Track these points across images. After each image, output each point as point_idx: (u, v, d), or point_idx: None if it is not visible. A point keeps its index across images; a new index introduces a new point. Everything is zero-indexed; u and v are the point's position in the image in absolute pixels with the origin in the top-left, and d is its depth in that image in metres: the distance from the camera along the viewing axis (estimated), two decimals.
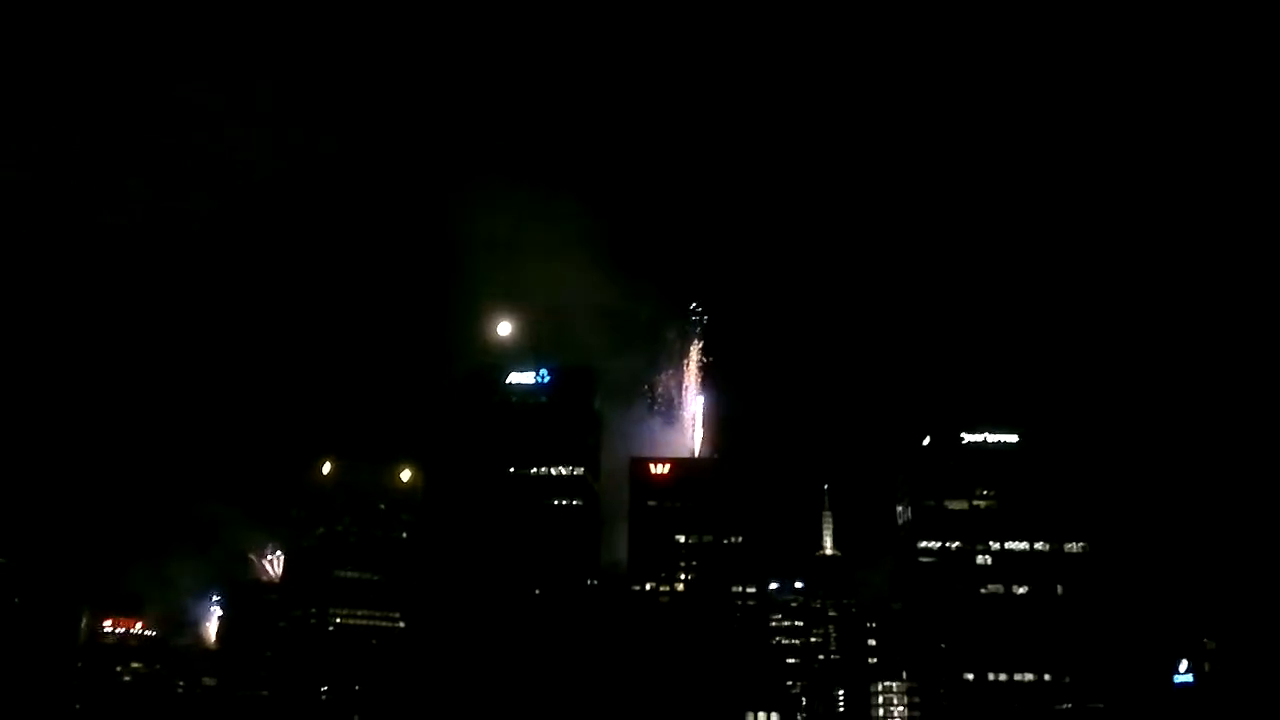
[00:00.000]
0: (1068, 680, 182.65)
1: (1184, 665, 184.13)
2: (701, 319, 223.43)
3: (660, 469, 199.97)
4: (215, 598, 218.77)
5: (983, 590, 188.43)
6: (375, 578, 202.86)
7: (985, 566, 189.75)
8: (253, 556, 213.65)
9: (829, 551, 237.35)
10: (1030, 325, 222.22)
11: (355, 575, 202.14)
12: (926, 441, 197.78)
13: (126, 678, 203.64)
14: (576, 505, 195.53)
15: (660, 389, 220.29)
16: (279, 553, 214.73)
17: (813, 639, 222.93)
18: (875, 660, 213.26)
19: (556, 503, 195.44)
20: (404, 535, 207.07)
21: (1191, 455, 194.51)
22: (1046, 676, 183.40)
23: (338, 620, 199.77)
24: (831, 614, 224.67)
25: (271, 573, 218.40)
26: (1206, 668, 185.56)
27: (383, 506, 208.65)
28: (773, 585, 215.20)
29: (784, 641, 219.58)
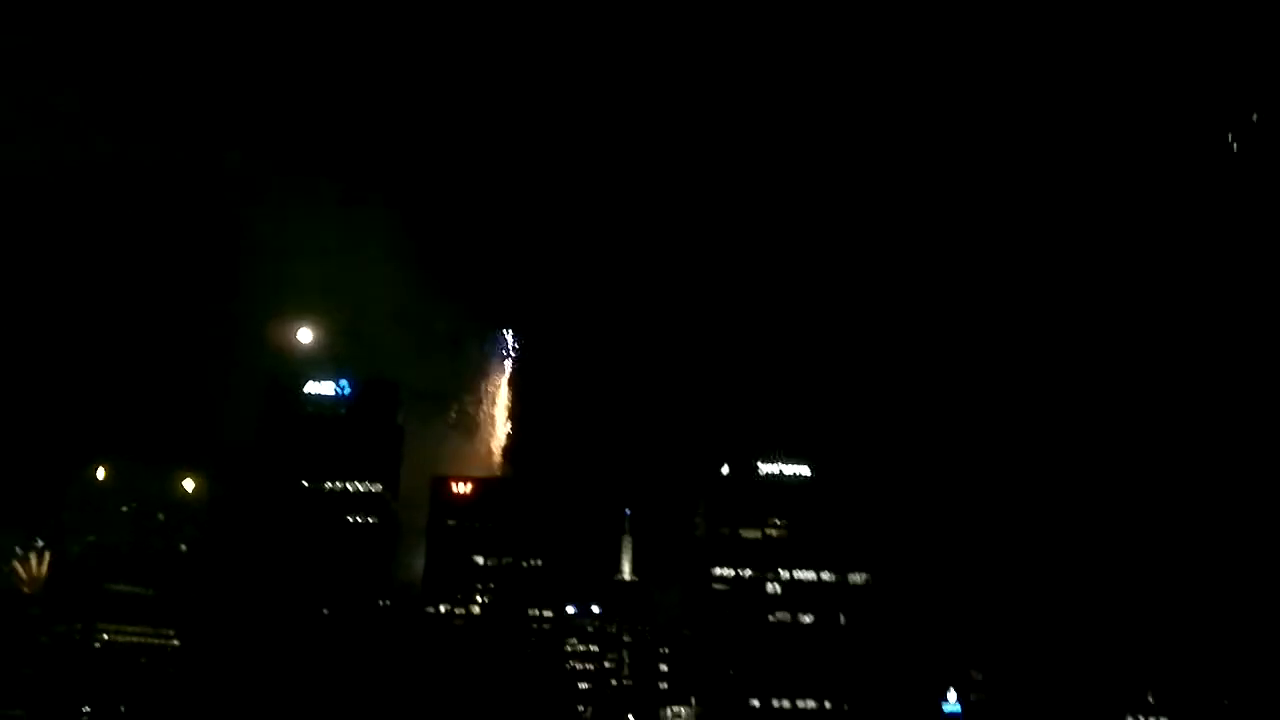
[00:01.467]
0: (846, 708, 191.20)
1: (952, 695, 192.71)
2: (509, 333, 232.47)
3: (462, 488, 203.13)
4: None
5: (771, 618, 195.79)
6: (149, 592, 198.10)
7: (775, 595, 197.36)
8: (12, 563, 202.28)
9: (627, 576, 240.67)
10: (830, 358, 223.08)
11: (128, 589, 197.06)
12: (725, 470, 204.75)
13: None
14: (372, 523, 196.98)
15: (465, 404, 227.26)
16: (40, 558, 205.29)
17: (606, 663, 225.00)
18: (666, 685, 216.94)
19: (351, 519, 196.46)
20: (184, 548, 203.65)
21: (971, 490, 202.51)
22: (827, 704, 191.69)
23: (105, 637, 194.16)
24: (626, 639, 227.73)
25: (31, 582, 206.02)
26: (973, 698, 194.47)
27: (162, 516, 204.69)
28: (570, 609, 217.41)
29: (578, 666, 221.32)
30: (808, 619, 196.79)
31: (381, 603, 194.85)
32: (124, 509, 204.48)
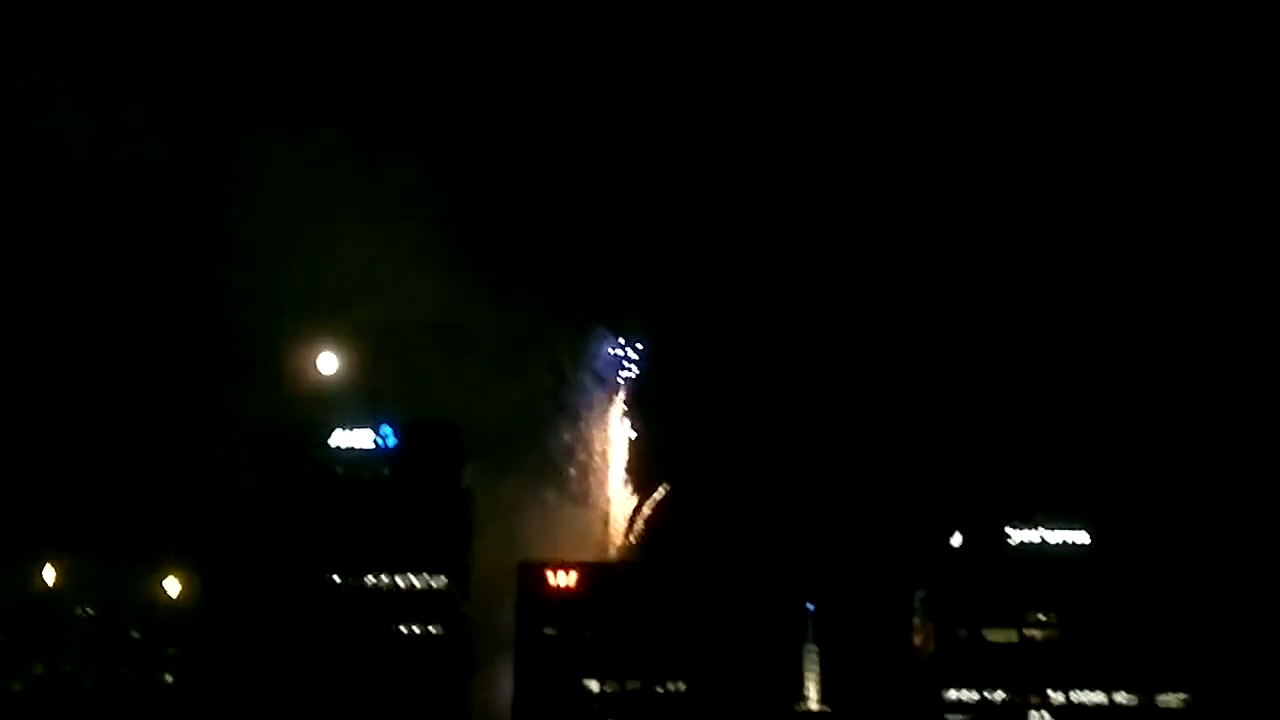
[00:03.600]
0: None
1: None
2: (622, 343, 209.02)
3: (563, 578, 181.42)
4: None
5: None
6: None
7: None
8: None
9: (814, 705, 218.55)
10: (1112, 372, 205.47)
11: None
12: (957, 542, 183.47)
13: None
14: (435, 634, 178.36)
15: (559, 451, 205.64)
16: None
17: None
18: None
19: (405, 629, 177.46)
20: (169, 678, 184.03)
21: None
22: None
23: None
24: None
25: None
26: None
27: (136, 634, 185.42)
28: None
29: None
30: None
31: None
32: (83, 625, 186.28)
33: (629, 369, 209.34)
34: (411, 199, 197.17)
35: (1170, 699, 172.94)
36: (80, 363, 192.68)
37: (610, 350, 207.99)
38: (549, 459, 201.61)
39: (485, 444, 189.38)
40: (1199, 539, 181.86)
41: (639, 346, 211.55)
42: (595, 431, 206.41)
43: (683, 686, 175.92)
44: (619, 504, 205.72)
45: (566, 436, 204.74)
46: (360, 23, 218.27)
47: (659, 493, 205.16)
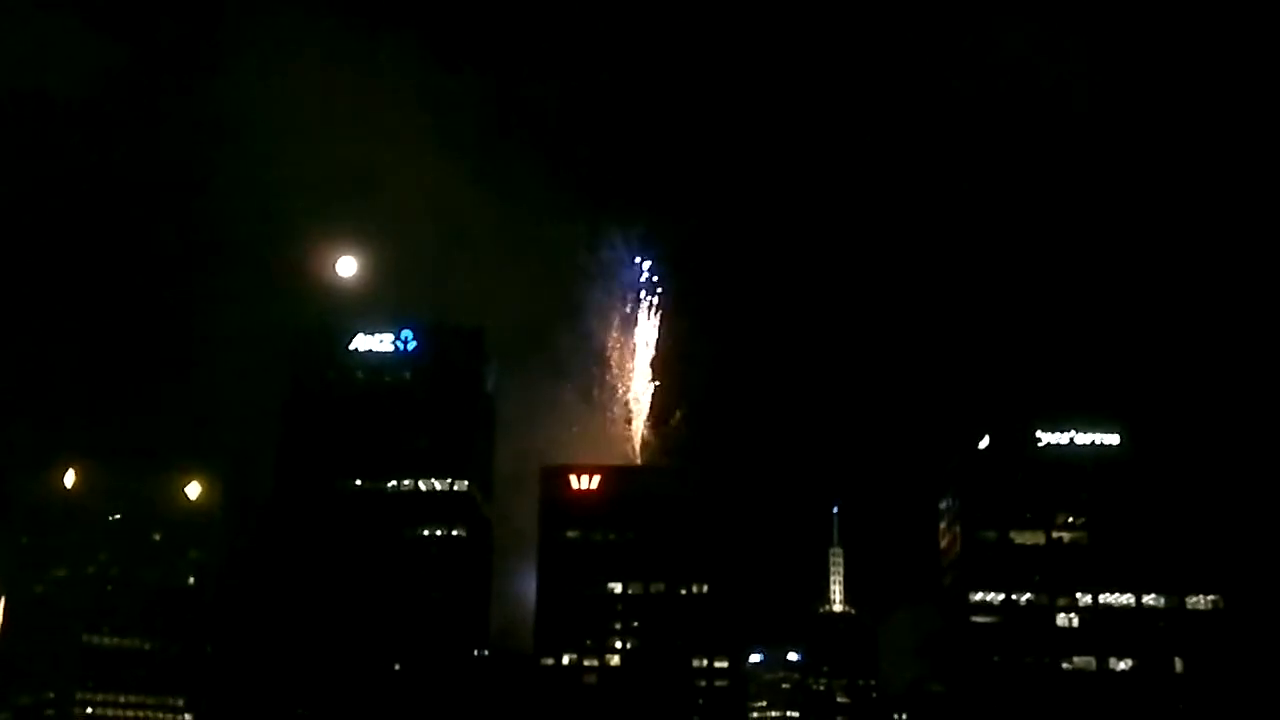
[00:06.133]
0: None
1: None
2: (653, 248, 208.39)
3: (586, 481, 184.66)
4: None
5: (1066, 664, 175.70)
6: (147, 645, 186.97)
7: (1070, 629, 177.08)
8: None
9: (838, 607, 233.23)
10: (1142, 271, 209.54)
11: (115, 642, 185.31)
12: (985, 444, 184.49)
13: None
14: (457, 537, 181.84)
15: (582, 353, 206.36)
16: None
17: None
18: None
19: (427, 533, 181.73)
20: (191, 580, 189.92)
21: None
22: None
23: (89, 710, 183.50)
24: (841, 699, 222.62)
25: None
26: None
27: (158, 536, 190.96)
28: (754, 657, 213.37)
29: None
30: (1124, 665, 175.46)
31: (476, 653, 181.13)
32: (105, 528, 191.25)
33: (655, 274, 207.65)
34: (418, 100, 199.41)
35: (1200, 601, 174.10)
36: (105, 271, 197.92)
37: (618, 247, 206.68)
38: (568, 360, 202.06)
39: (505, 348, 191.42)
40: (1231, 441, 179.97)
41: (666, 252, 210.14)
42: (616, 333, 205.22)
43: (706, 588, 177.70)
44: (639, 408, 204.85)
45: (583, 336, 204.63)
46: None
47: (681, 400, 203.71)
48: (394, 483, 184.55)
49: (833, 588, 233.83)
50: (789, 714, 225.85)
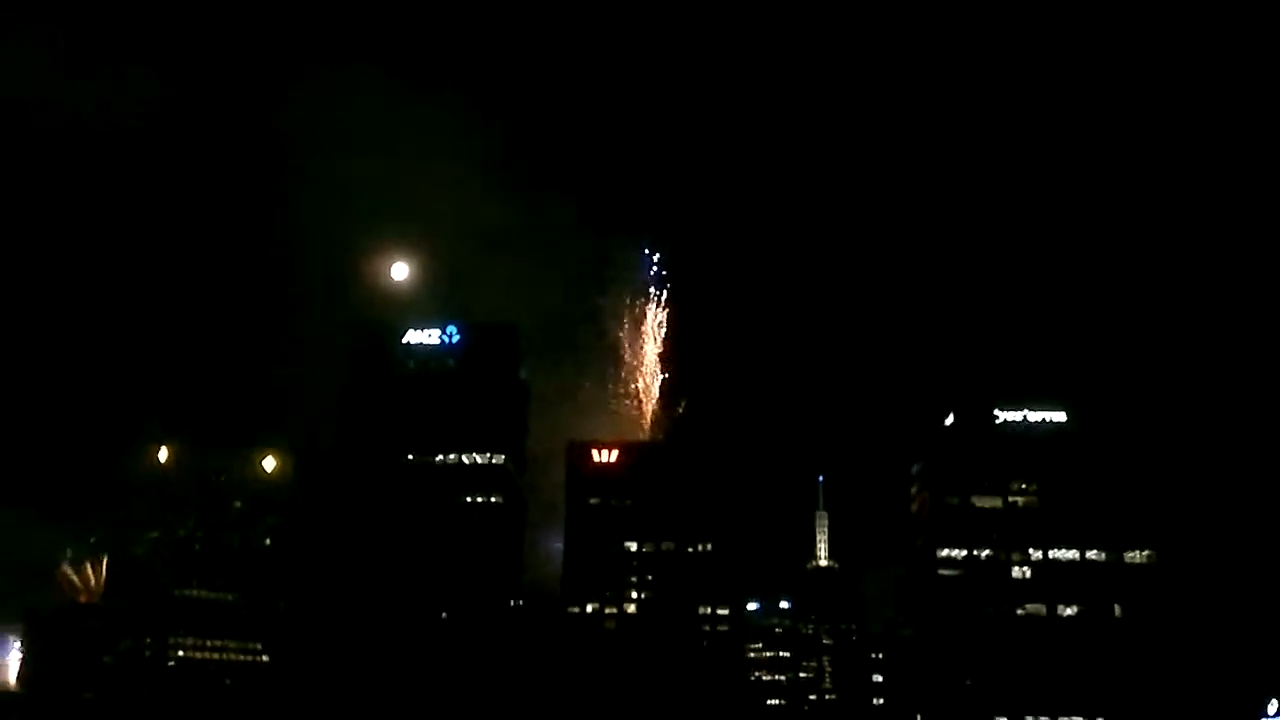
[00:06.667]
0: None
1: (1274, 706, 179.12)
2: (657, 255, 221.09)
3: (606, 455, 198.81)
4: (13, 632, 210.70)
5: (1020, 611, 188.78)
6: (230, 597, 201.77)
7: (1023, 581, 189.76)
8: (63, 571, 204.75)
9: (823, 562, 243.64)
10: (1089, 273, 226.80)
11: (203, 594, 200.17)
12: (950, 421, 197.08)
13: None
14: (495, 503, 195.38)
15: (603, 346, 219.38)
16: (100, 563, 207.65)
17: (802, 674, 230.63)
18: (881, 701, 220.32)
19: (469, 500, 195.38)
20: (268, 543, 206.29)
21: None
22: None
23: (180, 653, 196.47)
24: (826, 642, 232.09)
25: (89, 592, 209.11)
26: None
27: (239, 504, 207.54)
28: (751, 605, 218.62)
29: (765, 677, 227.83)
30: (1070, 611, 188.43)
31: (512, 603, 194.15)
32: (193, 498, 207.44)
33: (663, 276, 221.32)
34: (457, 131, 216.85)
35: (1136, 556, 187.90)
36: (197, 277, 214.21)
37: (649, 258, 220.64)
38: (589, 352, 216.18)
39: (539, 342, 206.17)
40: (1164, 417, 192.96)
41: (672, 256, 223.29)
42: (629, 328, 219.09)
43: (710, 547, 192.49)
44: (653, 392, 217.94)
45: (606, 335, 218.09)
46: None
47: (686, 385, 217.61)
48: (440, 457, 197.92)
49: (819, 546, 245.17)
50: (781, 654, 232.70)
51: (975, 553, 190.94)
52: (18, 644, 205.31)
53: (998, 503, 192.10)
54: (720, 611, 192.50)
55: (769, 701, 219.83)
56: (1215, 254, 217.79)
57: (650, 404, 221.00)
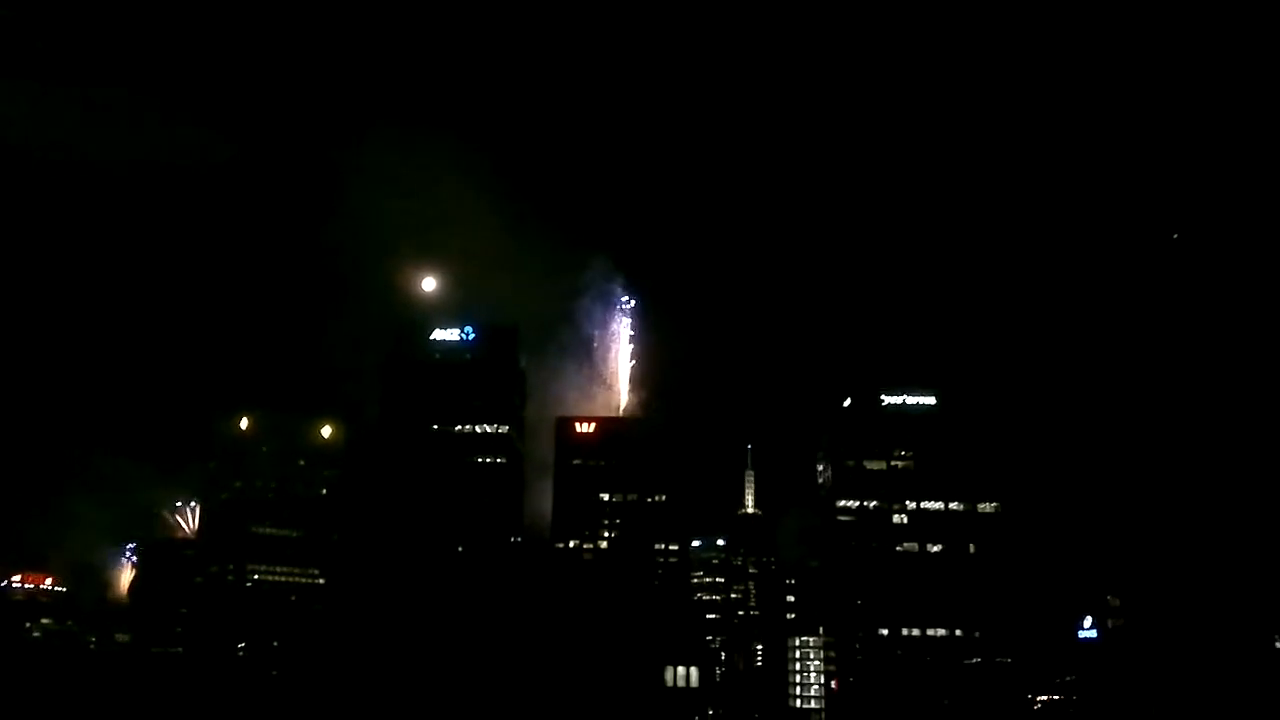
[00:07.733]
0: (977, 635, 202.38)
1: (1088, 621, 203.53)
2: (626, 275, 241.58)
3: (586, 428, 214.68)
4: (129, 550, 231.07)
5: (898, 548, 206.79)
6: (294, 534, 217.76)
7: (901, 525, 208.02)
8: (165, 513, 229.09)
9: (750, 510, 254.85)
10: (951, 289, 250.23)
11: (274, 531, 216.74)
12: (847, 403, 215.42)
13: (36, 634, 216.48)
14: (500, 463, 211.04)
15: (583, 342, 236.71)
16: (193, 508, 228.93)
17: (733, 595, 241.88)
18: (793, 616, 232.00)
19: (480, 460, 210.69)
20: (324, 492, 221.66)
21: (1099, 417, 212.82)
22: (958, 632, 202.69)
23: (255, 577, 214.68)
24: (752, 571, 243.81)
25: (186, 529, 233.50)
26: (1110, 624, 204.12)
27: (302, 462, 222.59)
28: (695, 543, 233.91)
29: (705, 598, 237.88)
30: (936, 548, 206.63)
31: (512, 540, 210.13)
32: (267, 457, 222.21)
33: (630, 292, 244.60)
34: (473, 177, 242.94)
35: (986, 507, 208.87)
36: (274, 288, 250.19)
37: (610, 276, 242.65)
38: (573, 348, 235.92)
39: (534, 339, 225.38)
40: (1010, 400, 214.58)
41: (636, 278, 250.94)
42: (606, 331, 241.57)
43: (664, 498, 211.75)
44: (621, 379, 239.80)
45: (585, 334, 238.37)
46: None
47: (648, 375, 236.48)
48: (458, 427, 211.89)
49: (747, 497, 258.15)
50: (717, 580, 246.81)
51: (865, 504, 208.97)
52: (129, 564, 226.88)
53: (883, 465, 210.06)
54: (671, 547, 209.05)
55: (708, 616, 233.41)
56: (1049, 268, 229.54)
57: (620, 388, 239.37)
